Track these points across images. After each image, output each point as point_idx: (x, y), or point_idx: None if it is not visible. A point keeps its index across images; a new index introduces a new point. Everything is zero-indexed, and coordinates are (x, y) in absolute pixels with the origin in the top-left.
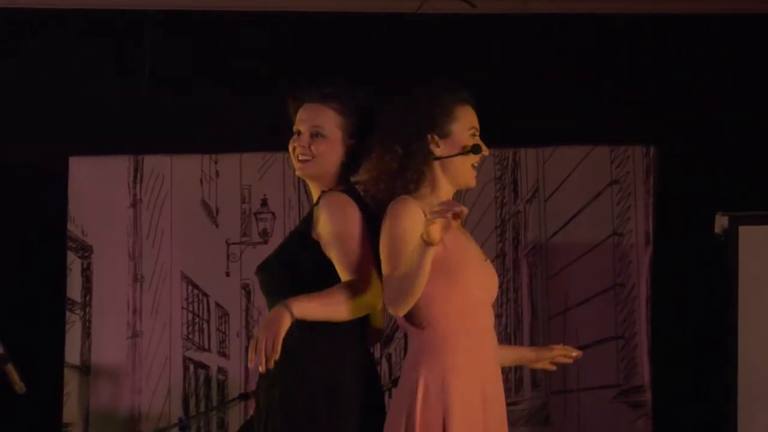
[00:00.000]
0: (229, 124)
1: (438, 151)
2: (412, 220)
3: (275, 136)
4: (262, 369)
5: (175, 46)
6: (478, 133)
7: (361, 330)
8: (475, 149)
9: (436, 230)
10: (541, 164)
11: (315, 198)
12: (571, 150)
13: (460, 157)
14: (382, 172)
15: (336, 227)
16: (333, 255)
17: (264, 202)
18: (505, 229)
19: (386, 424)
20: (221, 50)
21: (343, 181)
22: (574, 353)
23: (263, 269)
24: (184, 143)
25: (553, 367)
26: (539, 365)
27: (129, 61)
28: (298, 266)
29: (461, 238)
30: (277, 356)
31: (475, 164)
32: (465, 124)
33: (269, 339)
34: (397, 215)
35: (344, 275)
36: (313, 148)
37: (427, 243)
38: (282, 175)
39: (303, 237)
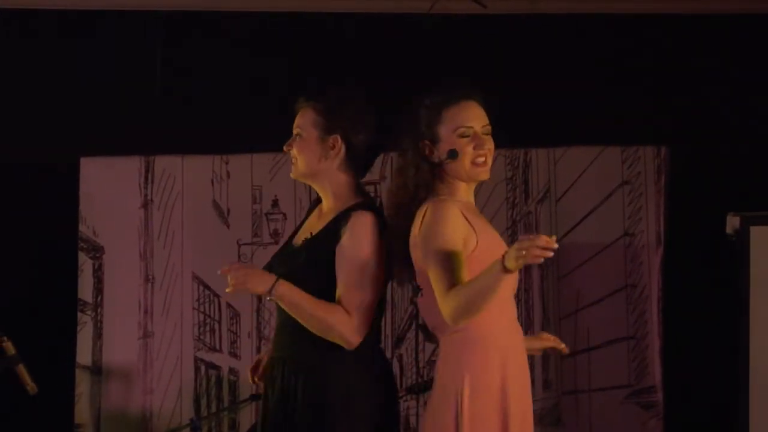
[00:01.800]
0: (240, 125)
1: (433, 157)
2: (454, 224)
3: (286, 137)
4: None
5: (186, 46)
6: (469, 130)
7: (377, 334)
8: (449, 154)
9: (519, 265)
10: (553, 165)
11: (324, 200)
12: (582, 150)
13: (449, 161)
14: (406, 181)
15: (350, 252)
16: (338, 276)
17: (275, 203)
18: (516, 230)
19: (428, 428)
20: (232, 51)
21: (341, 181)
22: (561, 346)
23: (281, 266)
24: (195, 144)
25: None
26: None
27: (140, 61)
28: (318, 273)
29: (492, 232)
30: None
31: (478, 159)
32: (450, 125)
33: (240, 277)
34: (443, 218)
35: (344, 300)
36: (294, 149)
37: (504, 269)
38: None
39: (325, 248)
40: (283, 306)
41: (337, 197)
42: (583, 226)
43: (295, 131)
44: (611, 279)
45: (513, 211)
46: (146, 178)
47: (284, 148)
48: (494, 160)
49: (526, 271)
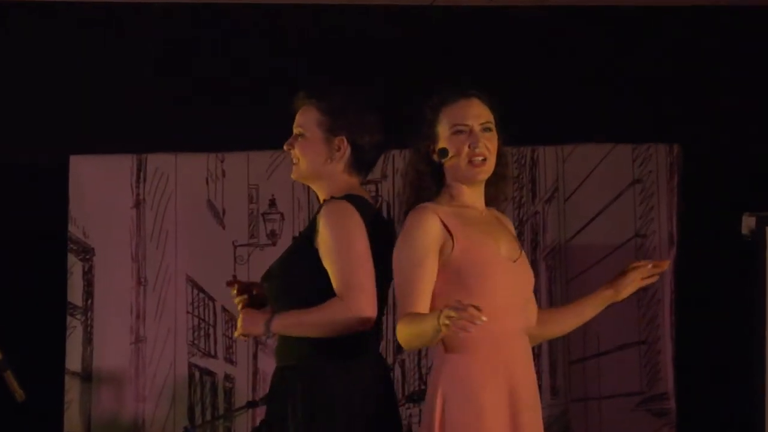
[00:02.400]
0: (236, 122)
1: (435, 157)
2: (425, 236)
3: (284, 134)
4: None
5: (180, 41)
6: (465, 128)
7: (376, 342)
8: (439, 153)
9: (445, 331)
10: (561, 163)
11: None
12: (591, 148)
13: (452, 159)
14: (410, 182)
15: (333, 238)
16: (328, 267)
17: (272, 203)
18: (523, 231)
19: None
20: (227, 45)
21: (348, 186)
22: (650, 265)
23: (267, 277)
24: (189, 141)
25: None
26: (627, 292)
27: (132, 56)
28: (298, 275)
29: (484, 237)
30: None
31: (475, 159)
32: (447, 124)
33: (240, 325)
34: (410, 231)
35: (337, 288)
36: (296, 149)
37: (440, 329)
38: (291, 174)
39: (306, 246)
40: (287, 335)
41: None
42: (592, 226)
43: (296, 130)
44: None
45: (520, 211)
46: (138, 176)
47: (285, 147)
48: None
49: (533, 273)
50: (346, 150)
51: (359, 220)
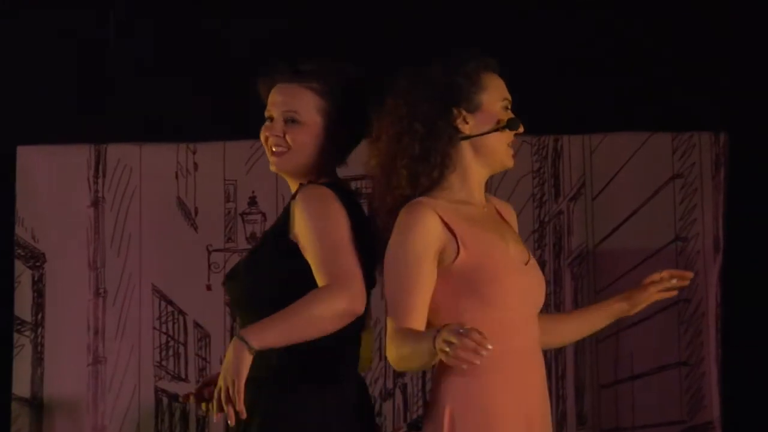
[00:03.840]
0: (210, 107)
1: (467, 129)
2: (423, 238)
3: (265, 121)
4: (231, 422)
5: (147, 15)
6: (510, 106)
7: (353, 355)
8: (511, 124)
9: (442, 357)
10: (588, 154)
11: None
12: (624, 137)
13: (494, 135)
14: (400, 157)
15: (313, 224)
16: (310, 257)
17: (252, 201)
18: (545, 233)
19: None
20: (201, 20)
21: (328, 175)
22: (678, 278)
23: (232, 278)
24: (155, 129)
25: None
26: (641, 307)
27: (90, 33)
28: (273, 274)
29: (493, 238)
30: (240, 402)
31: (510, 143)
32: (496, 94)
33: (231, 386)
34: (405, 231)
35: (321, 279)
36: (288, 137)
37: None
38: None
39: (278, 239)
40: (274, 346)
41: None
42: (625, 228)
43: (286, 114)
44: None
45: (540, 210)
46: (96, 170)
47: (267, 134)
48: (518, 148)
49: (556, 283)
50: (344, 140)
51: (339, 205)
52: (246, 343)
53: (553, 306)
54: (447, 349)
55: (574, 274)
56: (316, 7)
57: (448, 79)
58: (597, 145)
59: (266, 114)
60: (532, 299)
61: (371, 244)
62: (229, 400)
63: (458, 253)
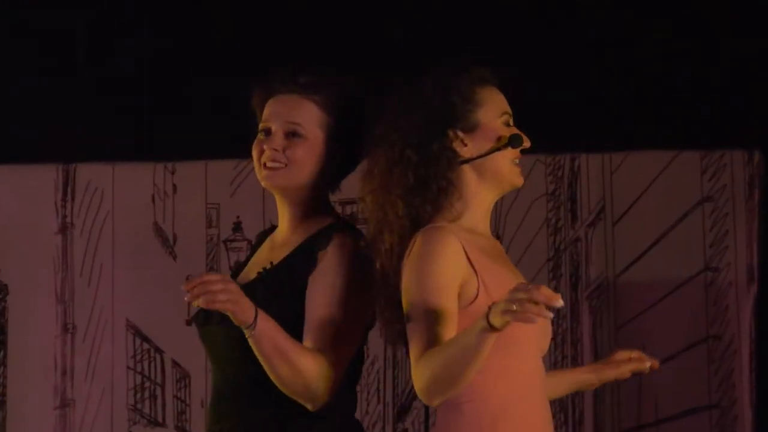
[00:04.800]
0: (190, 122)
1: (466, 151)
2: (448, 264)
3: (252, 138)
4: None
5: (119, 23)
6: (511, 119)
7: (352, 400)
8: (514, 140)
9: (506, 322)
10: (609, 175)
11: (284, 220)
12: (648, 156)
13: (497, 154)
14: (395, 189)
15: (329, 284)
16: (310, 308)
17: (237, 227)
18: (560, 263)
19: None
20: (177, 27)
21: (322, 201)
22: (648, 363)
23: (221, 322)
24: (130, 147)
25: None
26: (608, 380)
27: (58, 38)
28: (294, 320)
29: (509, 277)
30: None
31: (517, 160)
32: (494, 109)
33: (217, 293)
34: (429, 256)
35: (315, 340)
36: (288, 152)
37: (490, 327)
38: (261, 190)
39: (297, 280)
40: (256, 347)
41: (307, 218)
42: (649, 257)
43: (286, 126)
44: (687, 328)
45: (555, 237)
46: (65, 193)
47: (263, 148)
48: (531, 168)
49: (572, 318)
50: (343, 158)
51: (361, 264)
52: (256, 320)
53: (569, 343)
54: (515, 307)
55: (592, 307)
56: (304, 17)
57: (440, 98)
58: (618, 165)
59: (261, 126)
60: (542, 345)
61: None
62: (200, 286)
63: (477, 294)
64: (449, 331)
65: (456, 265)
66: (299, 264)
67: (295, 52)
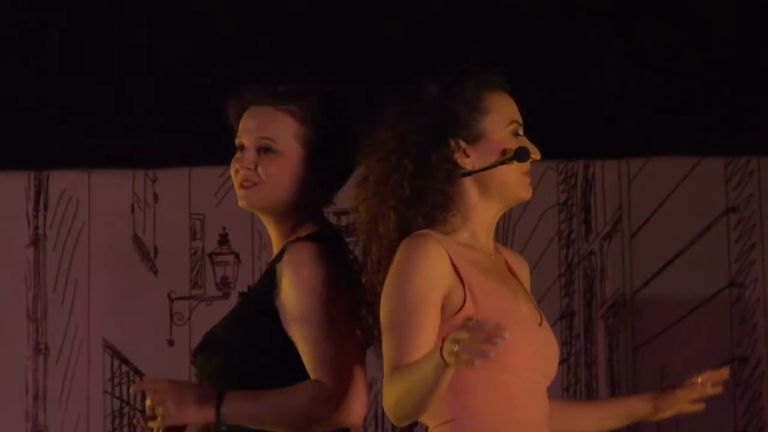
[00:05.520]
0: (174, 127)
1: (468, 163)
2: (429, 273)
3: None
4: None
5: (95, 21)
6: (521, 129)
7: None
8: (519, 154)
9: (453, 362)
10: (626, 183)
11: (274, 242)
12: (668, 162)
13: (502, 167)
14: (388, 199)
15: (305, 298)
16: (297, 336)
17: (223, 239)
18: (573, 278)
19: None
20: (160, 24)
21: (312, 216)
22: (712, 382)
23: (204, 348)
24: (107, 153)
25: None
26: (667, 415)
27: (31, 40)
28: (257, 347)
29: (503, 292)
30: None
31: (526, 172)
32: (501, 118)
33: (164, 414)
34: (408, 265)
35: (312, 369)
36: (260, 169)
37: (446, 365)
38: None
39: (260, 303)
40: (239, 425)
41: (294, 235)
42: (669, 272)
43: (258, 141)
44: (710, 349)
45: (568, 250)
46: (37, 202)
47: (237, 166)
48: (542, 175)
49: (587, 338)
50: (327, 173)
51: (335, 270)
52: (218, 408)
53: (583, 365)
54: (457, 350)
55: (608, 327)
56: (297, 19)
57: (442, 104)
58: (636, 172)
59: (237, 142)
60: (543, 366)
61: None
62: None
63: (464, 303)
64: (423, 345)
65: (437, 274)
66: (264, 289)
67: (283, 54)
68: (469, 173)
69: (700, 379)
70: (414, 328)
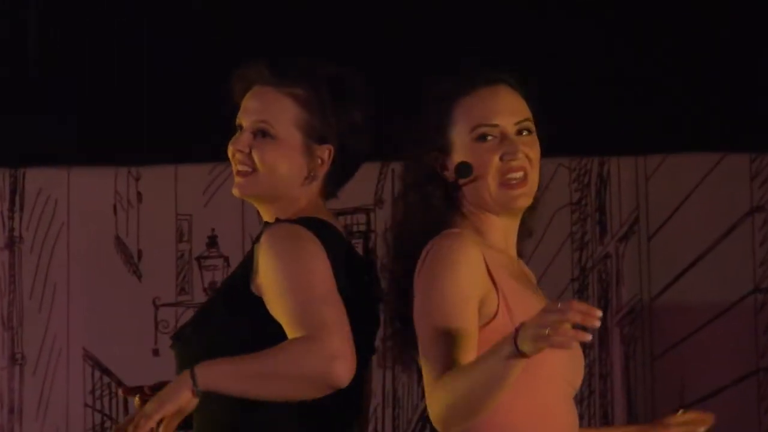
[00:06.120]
0: (158, 119)
1: (448, 175)
2: (468, 274)
3: (228, 139)
4: None
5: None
6: (493, 130)
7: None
8: (459, 171)
9: (538, 348)
10: (643, 181)
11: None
12: (688, 159)
13: (477, 179)
14: (409, 216)
15: (282, 271)
16: (279, 312)
17: (212, 241)
18: (587, 283)
19: None
20: (144, 11)
21: (313, 209)
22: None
23: (180, 339)
24: (87, 149)
25: None
26: None
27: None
28: (230, 335)
29: (532, 299)
30: None
31: (511, 176)
32: (465, 124)
33: (143, 418)
34: (450, 263)
35: (296, 333)
36: (254, 153)
37: (518, 353)
38: (240, 199)
39: (235, 291)
40: (223, 392)
41: None
42: (689, 277)
43: (256, 124)
44: (733, 360)
45: (582, 253)
46: (12, 202)
47: (234, 148)
48: (554, 173)
49: (601, 347)
50: (329, 162)
51: (319, 248)
52: (193, 378)
53: (598, 376)
54: (546, 332)
55: (624, 335)
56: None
57: (429, 115)
58: (654, 170)
59: (237, 122)
60: (572, 376)
61: (369, 304)
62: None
63: (497, 311)
64: (469, 352)
65: (476, 277)
66: (243, 272)
67: (283, 54)
68: (451, 186)
69: (680, 412)
70: (458, 333)
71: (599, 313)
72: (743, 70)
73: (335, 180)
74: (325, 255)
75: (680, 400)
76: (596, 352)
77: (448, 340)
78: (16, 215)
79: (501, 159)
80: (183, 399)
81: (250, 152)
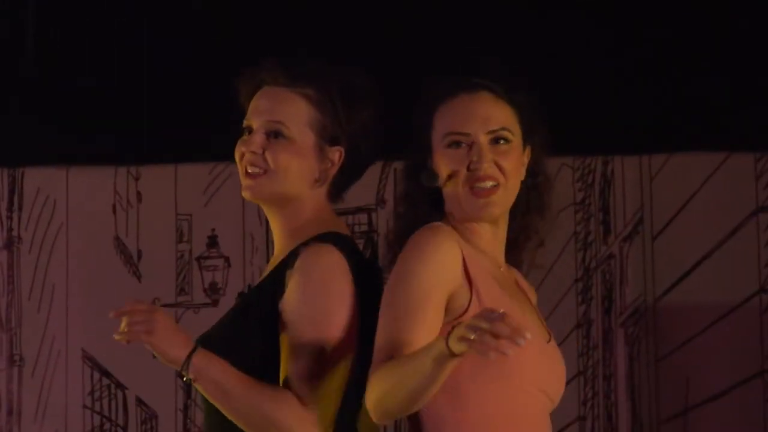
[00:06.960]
0: (158, 118)
1: (424, 181)
2: (439, 267)
3: (231, 137)
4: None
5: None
6: (463, 138)
7: None
8: (425, 178)
9: (463, 349)
10: (647, 181)
11: (278, 237)
12: (693, 159)
13: (448, 184)
14: (400, 218)
15: (302, 303)
16: (286, 343)
17: (212, 241)
18: (591, 284)
19: None
20: (144, 11)
21: (322, 212)
22: None
23: (204, 345)
24: (86, 148)
25: None
26: None
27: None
28: (250, 350)
29: (511, 304)
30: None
31: (478, 185)
32: (440, 130)
33: (143, 323)
34: (420, 255)
35: (292, 381)
36: (268, 154)
37: (449, 351)
38: (240, 199)
39: (264, 305)
40: (201, 389)
41: (300, 233)
42: (694, 278)
43: (269, 124)
44: (738, 361)
45: (585, 253)
46: (10, 202)
47: (244, 149)
48: (557, 172)
49: (605, 348)
50: (339, 164)
51: (347, 282)
52: (189, 357)
53: (601, 378)
54: (472, 336)
55: (628, 336)
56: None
57: (415, 120)
58: (658, 170)
59: (245, 124)
60: (550, 387)
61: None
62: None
63: (468, 307)
64: (418, 342)
65: (448, 270)
66: (270, 289)
67: (283, 54)
68: (434, 189)
69: None
70: (412, 323)
71: (527, 336)
72: (748, 69)
73: (342, 183)
74: (352, 289)
75: (685, 401)
76: (600, 354)
77: (400, 330)
78: (15, 215)
79: (468, 168)
80: (167, 352)
81: (263, 153)
